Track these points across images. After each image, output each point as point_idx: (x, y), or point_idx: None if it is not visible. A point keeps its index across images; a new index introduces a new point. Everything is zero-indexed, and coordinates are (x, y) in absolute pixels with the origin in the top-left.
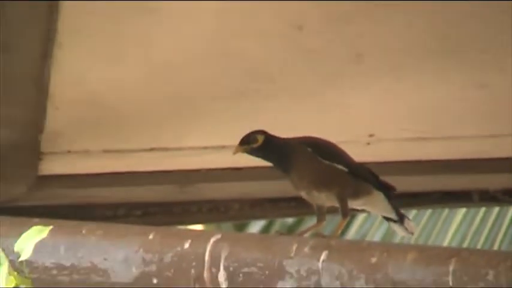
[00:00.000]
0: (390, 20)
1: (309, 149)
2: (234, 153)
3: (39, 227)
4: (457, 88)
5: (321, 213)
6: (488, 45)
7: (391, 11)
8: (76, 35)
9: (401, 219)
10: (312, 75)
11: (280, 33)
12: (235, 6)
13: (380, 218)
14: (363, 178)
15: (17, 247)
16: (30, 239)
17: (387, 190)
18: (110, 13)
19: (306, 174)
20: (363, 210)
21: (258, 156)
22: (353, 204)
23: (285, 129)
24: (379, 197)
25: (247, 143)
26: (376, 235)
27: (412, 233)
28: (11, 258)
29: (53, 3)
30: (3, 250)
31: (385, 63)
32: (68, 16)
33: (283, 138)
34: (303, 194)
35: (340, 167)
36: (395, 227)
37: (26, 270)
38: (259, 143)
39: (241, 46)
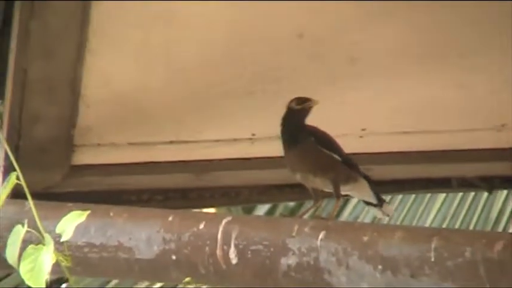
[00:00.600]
0: (381, 29)
1: (312, 138)
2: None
3: (78, 211)
4: (438, 89)
5: (317, 195)
6: (466, 50)
7: (382, 21)
8: (105, 42)
9: (380, 204)
10: (312, 77)
11: (285, 40)
12: (246, 17)
13: None
14: (352, 167)
15: (58, 229)
16: (71, 222)
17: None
18: (135, 22)
19: (307, 158)
20: (347, 195)
21: (284, 118)
22: (342, 189)
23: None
24: (363, 183)
25: (297, 102)
26: (367, 217)
27: (389, 215)
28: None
29: (86, 3)
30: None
31: (376, 67)
32: (97, 25)
33: (301, 121)
34: (298, 176)
35: (335, 156)
36: (375, 210)
37: (66, 249)
38: (305, 106)
39: (250, 51)
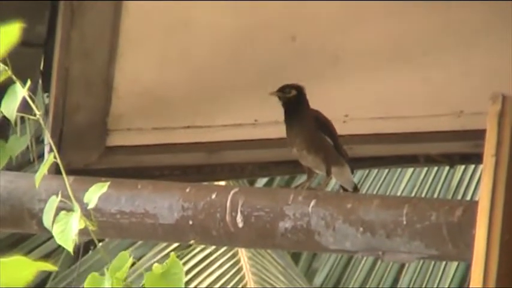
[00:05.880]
0: (359, 33)
1: (313, 122)
2: (270, 94)
3: (101, 183)
4: (408, 82)
5: (310, 172)
6: (429, 49)
7: (359, 26)
8: (132, 46)
9: (355, 191)
10: (303, 73)
11: (280, 42)
12: (248, 24)
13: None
14: (342, 153)
15: (85, 199)
16: (95, 192)
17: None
18: (158, 29)
19: (303, 136)
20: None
21: (283, 104)
22: None
23: (280, 112)
24: (347, 170)
25: (283, 91)
26: None
27: None
28: (83, 206)
29: (116, 15)
30: (78, 200)
31: (355, 64)
32: (126, 32)
33: (305, 104)
34: (294, 150)
35: (328, 140)
36: None
37: (93, 216)
38: (291, 95)
39: (252, 52)
